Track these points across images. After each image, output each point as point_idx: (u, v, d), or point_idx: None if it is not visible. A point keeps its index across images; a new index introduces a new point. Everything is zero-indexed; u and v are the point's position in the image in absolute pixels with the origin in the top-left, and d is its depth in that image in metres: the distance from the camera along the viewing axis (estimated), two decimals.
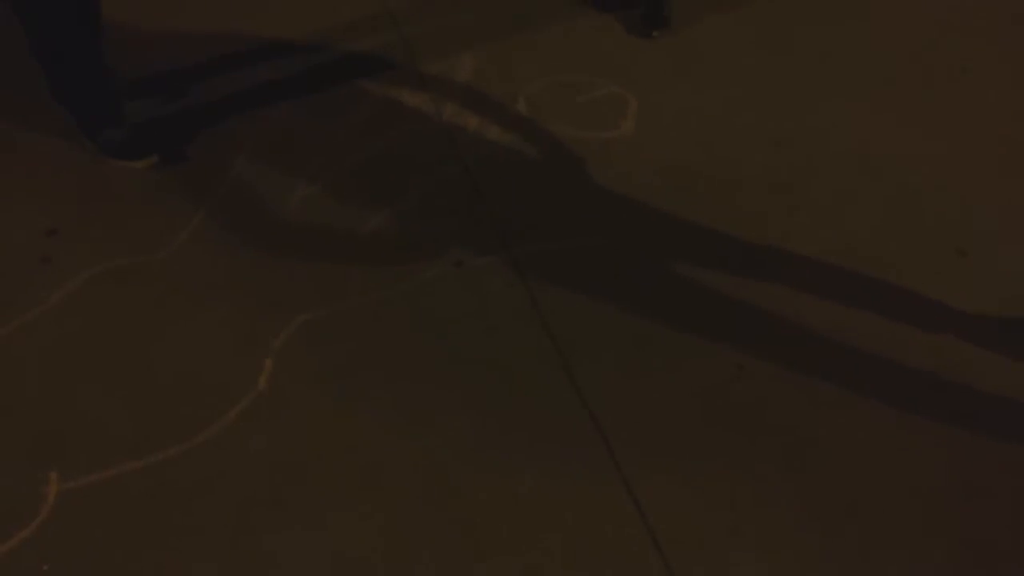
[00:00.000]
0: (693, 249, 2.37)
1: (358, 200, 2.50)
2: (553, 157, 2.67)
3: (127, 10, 3.05)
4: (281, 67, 2.96)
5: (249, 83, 2.89)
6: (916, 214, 2.47)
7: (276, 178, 2.57)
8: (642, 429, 1.97)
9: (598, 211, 2.49)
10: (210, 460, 1.91)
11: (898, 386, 2.04)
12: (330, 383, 2.07)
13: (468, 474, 1.89)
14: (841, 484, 1.87)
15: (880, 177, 2.58)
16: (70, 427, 1.97)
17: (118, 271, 2.31)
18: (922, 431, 1.96)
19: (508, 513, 1.82)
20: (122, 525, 1.81)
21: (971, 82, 2.91)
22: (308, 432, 1.97)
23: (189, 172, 2.59)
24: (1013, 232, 2.40)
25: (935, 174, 2.58)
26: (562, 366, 2.09)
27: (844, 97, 2.84)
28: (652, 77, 2.93)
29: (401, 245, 2.38)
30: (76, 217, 2.45)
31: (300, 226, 2.44)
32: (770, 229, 2.42)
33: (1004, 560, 1.76)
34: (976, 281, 2.28)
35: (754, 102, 2.84)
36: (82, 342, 2.14)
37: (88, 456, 1.91)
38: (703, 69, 2.96)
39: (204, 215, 2.46)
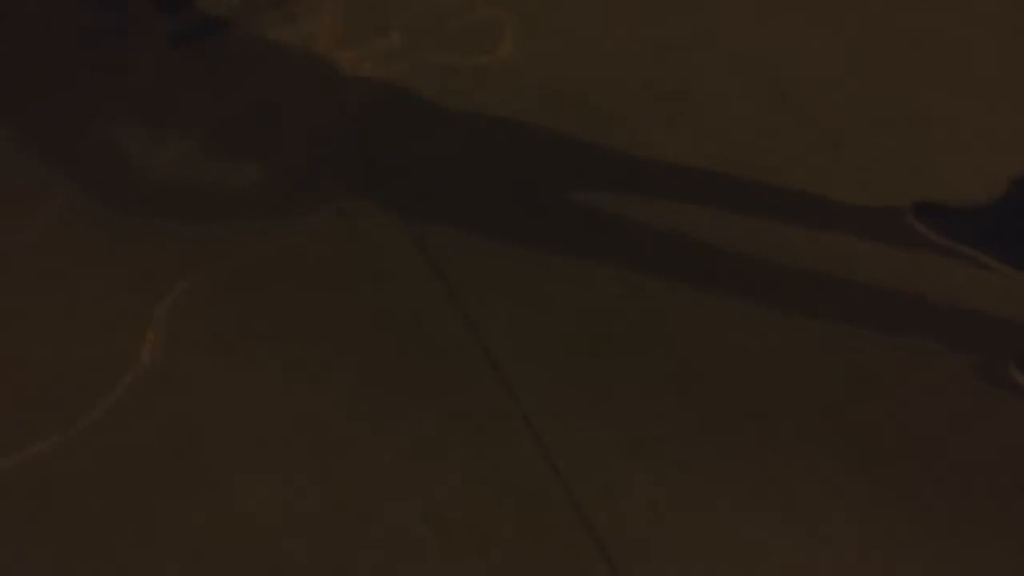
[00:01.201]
0: (577, 171, 2.34)
1: (232, 153, 2.40)
2: (430, 89, 2.58)
3: None
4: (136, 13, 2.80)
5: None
6: (793, 111, 2.47)
7: (141, 136, 2.45)
8: (537, 359, 1.96)
9: (479, 143, 2.43)
10: (100, 440, 1.86)
11: (788, 289, 2.07)
12: (216, 347, 2.01)
13: (362, 429, 1.86)
14: (735, 393, 1.90)
15: (757, 77, 2.56)
16: None
17: None
18: (813, 332, 1.99)
19: (406, 459, 1.81)
20: (15, 512, 1.75)
21: None
22: (196, 401, 1.92)
23: (47, 139, 2.45)
24: (887, 121, 2.41)
25: (811, 70, 2.58)
26: (452, 305, 2.06)
27: None
28: None
29: (279, 197, 2.30)
30: None
31: (172, 186, 2.33)
32: (654, 144, 2.39)
33: (890, 458, 1.81)
34: (853, 173, 2.30)
35: (632, 10, 2.78)
36: None
37: None
38: None
39: (68, 184, 2.33)
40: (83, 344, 2.01)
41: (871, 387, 1.89)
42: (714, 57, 2.63)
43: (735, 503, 1.73)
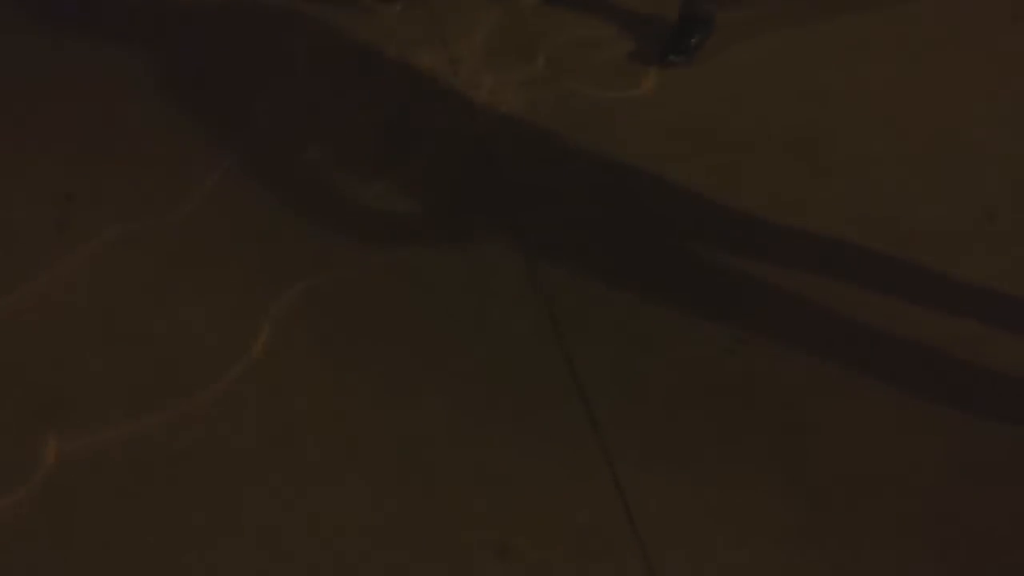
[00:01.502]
0: (699, 219, 2.30)
1: (366, 164, 2.49)
2: (569, 119, 2.60)
3: None
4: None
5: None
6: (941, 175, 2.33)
7: (288, 136, 2.58)
8: (631, 406, 1.93)
9: (608, 179, 2.42)
10: (202, 424, 1.94)
11: (902, 367, 1.95)
12: (324, 351, 2.08)
13: (448, 448, 1.88)
14: (833, 467, 1.80)
15: (905, 137, 2.44)
16: (69, 390, 2.02)
17: (129, 235, 2.35)
18: (922, 415, 1.86)
19: (485, 489, 1.81)
20: (116, 485, 1.85)
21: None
22: (298, 400, 1.99)
23: (208, 125, 2.60)
24: None
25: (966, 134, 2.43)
26: (555, 338, 2.05)
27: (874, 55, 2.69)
28: None
29: (402, 211, 2.36)
30: (92, 181, 2.50)
31: (306, 188, 2.44)
32: (785, 198, 2.31)
33: (1003, 551, 1.67)
34: (1005, 248, 2.15)
35: (784, 59, 2.71)
36: (87, 306, 2.20)
37: (86, 419, 1.96)
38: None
39: (217, 177, 2.47)
40: (201, 329, 2.12)
41: (974, 476, 1.76)
42: (862, 113, 2.52)
43: None
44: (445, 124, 2.60)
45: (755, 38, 2.77)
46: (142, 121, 2.66)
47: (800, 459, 1.82)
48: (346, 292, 2.18)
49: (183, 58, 2.88)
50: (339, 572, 1.69)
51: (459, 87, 2.70)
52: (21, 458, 1.89)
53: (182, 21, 3.02)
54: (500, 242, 2.26)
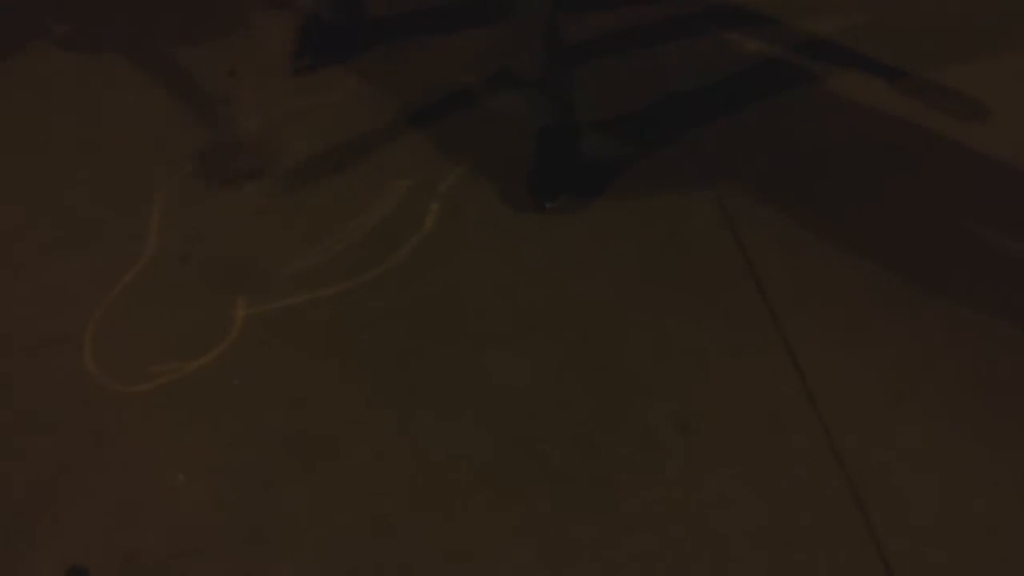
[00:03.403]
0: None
1: None
2: None
3: None
4: None
5: None
6: None
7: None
8: (805, 289, 1.93)
9: None
10: (380, 294, 2.02)
11: None
12: (491, 226, 2.12)
13: (623, 317, 1.91)
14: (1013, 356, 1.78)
15: None
16: (255, 260, 2.11)
17: (296, 112, 2.41)
18: None
19: (664, 366, 1.84)
20: (300, 347, 1.94)
21: None
22: (471, 272, 2.04)
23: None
24: None
25: None
26: (728, 225, 2.06)
27: None
28: None
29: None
30: (254, 61, 2.55)
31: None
32: None
33: None
34: None
35: None
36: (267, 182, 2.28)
37: (271, 286, 2.05)
38: None
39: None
40: (380, 207, 2.18)
41: None
42: None
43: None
44: None
45: None
46: None
47: (980, 340, 1.81)
48: (505, 173, 2.21)
49: None
50: (528, 436, 1.75)
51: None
52: (214, 320, 1.99)
53: None
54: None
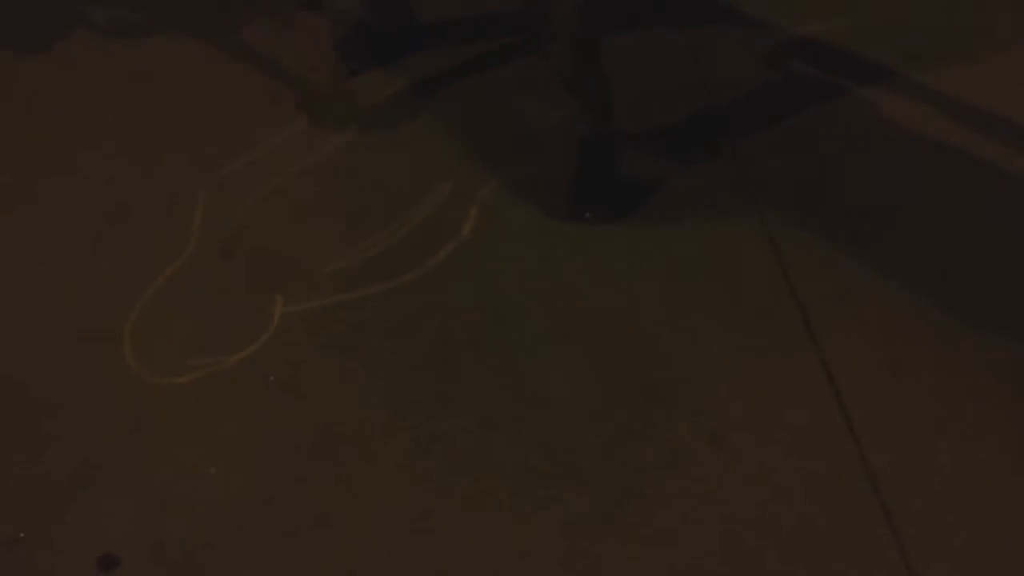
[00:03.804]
0: None
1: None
2: None
3: None
4: None
5: None
6: None
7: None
8: (845, 310, 1.91)
9: None
10: (416, 297, 2.02)
11: None
12: (529, 235, 2.13)
13: (658, 331, 1.91)
14: None
15: None
16: (296, 260, 2.13)
17: (339, 114, 2.45)
18: None
19: (695, 375, 1.83)
20: (335, 346, 1.95)
21: None
22: (507, 279, 2.04)
23: None
24: None
25: None
26: (766, 238, 2.04)
27: None
28: None
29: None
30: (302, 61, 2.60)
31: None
32: None
33: None
34: None
35: None
36: (309, 182, 2.31)
37: (308, 286, 2.07)
38: None
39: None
40: (418, 211, 2.20)
41: None
42: None
43: None
44: None
45: None
46: None
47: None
48: (552, 179, 2.20)
49: None
50: (560, 445, 1.75)
51: None
52: (252, 317, 2.01)
53: None
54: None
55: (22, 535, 1.68)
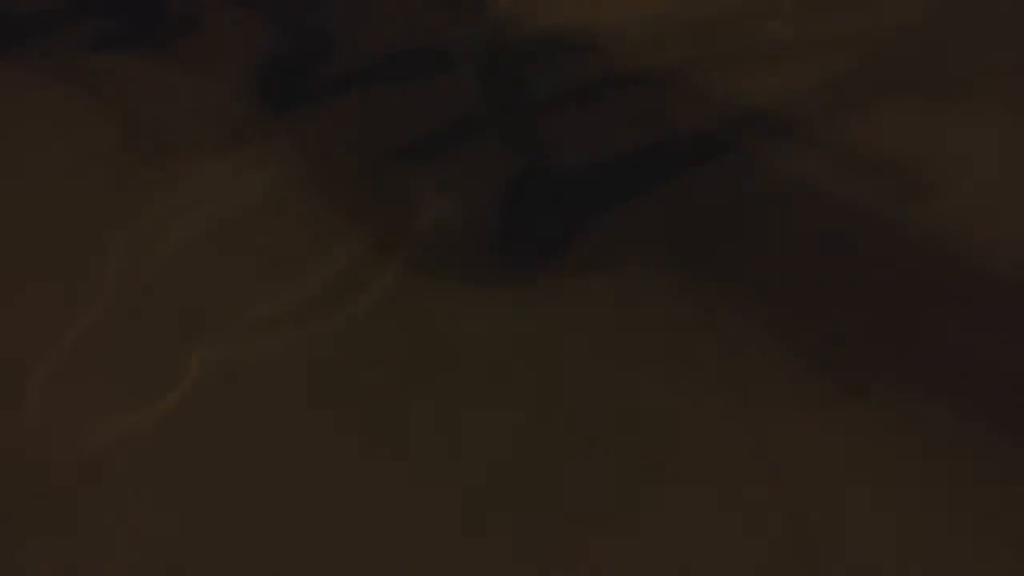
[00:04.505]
0: None
1: None
2: None
3: None
4: None
5: None
6: None
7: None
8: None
9: None
10: (338, 344, 1.94)
11: None
12: (458, 278, 2.07)
13: (597, 375, 1.84)
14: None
15: None
16: (216, 306, 2.04)
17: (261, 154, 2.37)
18: None
19: (631, 425, 1.76)
20: (254, 397, 1.86)
21: None
22: (434, 323, 1.97)
23: None
24: None
25: None
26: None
27: None
28: None
29: None
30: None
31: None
32: None
33: None
34: None
35: None
36: (231, 225, 2.23)
37: (226, 333, 1.98)
38: None
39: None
40: (343, 253, 2.12)
41: None
42: None
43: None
44: None
45: None
46: None
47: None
48: (480, 220, 2.15)
49: None
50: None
51: None
52: (167, 367, 1.91)
53: None
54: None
55: None
